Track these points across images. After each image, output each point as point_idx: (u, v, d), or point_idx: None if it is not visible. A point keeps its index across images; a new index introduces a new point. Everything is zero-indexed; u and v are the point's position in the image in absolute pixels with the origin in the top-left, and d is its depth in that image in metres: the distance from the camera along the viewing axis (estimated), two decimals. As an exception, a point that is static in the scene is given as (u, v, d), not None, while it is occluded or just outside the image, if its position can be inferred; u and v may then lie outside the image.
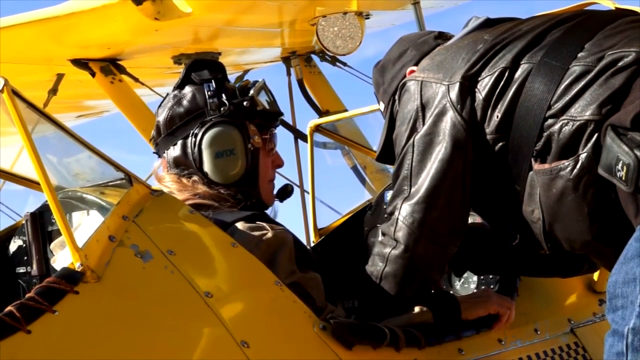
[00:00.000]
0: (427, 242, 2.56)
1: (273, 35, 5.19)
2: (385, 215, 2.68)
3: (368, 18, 4.88)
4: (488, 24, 2.70)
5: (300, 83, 5.44)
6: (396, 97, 2.78)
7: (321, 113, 5.33)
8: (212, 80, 2.87)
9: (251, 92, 2.89)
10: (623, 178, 2.19)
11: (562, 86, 2.39)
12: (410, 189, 2.55)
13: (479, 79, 2.50)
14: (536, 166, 2.40)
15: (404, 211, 2.56)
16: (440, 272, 2.67)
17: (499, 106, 2.47)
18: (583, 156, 2.30)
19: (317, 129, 3.78)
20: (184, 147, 2.85)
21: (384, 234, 2.64)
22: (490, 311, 2.77)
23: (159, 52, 5.09)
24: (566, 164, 2.33)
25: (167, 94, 2.94)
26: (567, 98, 2.37)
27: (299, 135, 5.14)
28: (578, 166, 2.31)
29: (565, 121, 2.35)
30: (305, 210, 4.71)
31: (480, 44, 2.57)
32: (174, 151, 2.86)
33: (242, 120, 2.85)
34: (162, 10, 4.39)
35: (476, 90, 2.50)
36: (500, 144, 2.48)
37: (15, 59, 4.92)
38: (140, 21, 4.45)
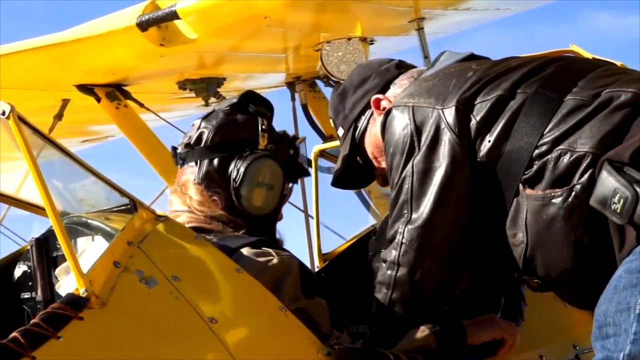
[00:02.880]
0: (433, 264, 2.56)
1: (277, 60, 5.21)
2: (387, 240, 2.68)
3: (372, 44, 4.91)
4: (471, 58, 2.75)
5: (305, 108, 5.45)
6: (358, 123, 2.85)
7: (325, 138, 5.33)
8: (266, 117, 2.92)
9: (296, 143, 2.98)
10: (618, 210, 2.24)
11: (558, 117, 2.44)
12: (412, 213, 2.56)
13: (474, 103, 2.53)
14: (527, 191, 2.43)
15: (408, 235, 2.56)
16: (447, 296, 2.65)
17: (492, 131, 2.50)
18: (578, 187, 2.35)
19: (322, 154, 3.79)
20: (223, 164, 2.86)
21: (384, 261, 2.63)
22: (495, 336, 2.77)
23: (164, 77, 5.10)
24: (559, 192, 2.37)
25: (215, 110, 2.95)
26: (563, 129, 2.42)
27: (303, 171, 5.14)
28: (572, 196, 2.35)
29: (564, 151, 2.39)
30: (310, 235, 4.71)
31: (469, 72, 2.61)
32: (210, 165, 2.86)
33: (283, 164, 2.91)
34: (167, 36, 4.41)
35: (471, 115, 2.53)
36: (489, 167, 2.50)
37: (21, 85, 4.94)
38: (146, 47, 4.47)
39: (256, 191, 2.84)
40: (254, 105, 2.94)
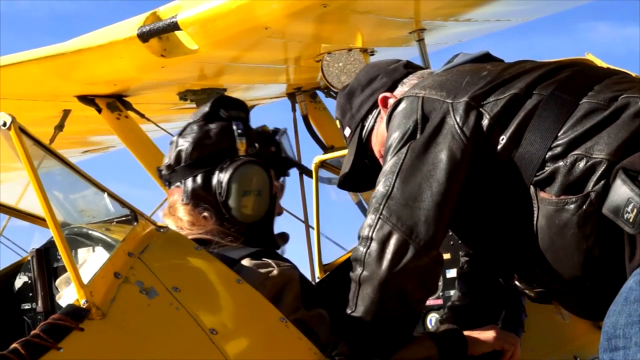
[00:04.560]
0: (410, 245, 2.49)
1: (278, 71, 5.21)
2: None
3: (373, 54, 4.92)
4: (486, 58, 2.74)
5: (305, 119, 5.45)
6: (365, 122, 2.84)
7: (326, 149, 5.33)
8: (240, 119, 2.89)
9: (277, 138, 2.93)
10: (631, 220, 2.23)
11: (572, 119, 2.43)
12: (394, 190, 2.51)
13: (486, 101, 2.51)
14: (541, 194, 2.41)
15: (387, 210, 2.51)
16: (420, 285, 2.55)
17: (507, 129, 2.48)
18: (592, 195, 2.33)
19: (322, 164, 3.80)
20: (206, 179, 2.84)
21: (359, 238, 2.57)
22: (495, 347, 2.77)
23: (165, 88, 5.11)
24: (574, 199, 2.35)
25: (188, 124, 2.92)
26: (578, 132, 2.40)
27: (304, 171, 5.14)
28: (587, 203, 2.33)
29: (580, 156, 2.37)
30: (310, 246, 4.71)
31: (484, 72, 2.60)
32: (194, 182, 2.85)
33: (267, 164, 2.88)
34: (168, 47, 4.42)
35: (483, 111, 2.51)
36: (501, 166, 2.48)
37: (22, 96, 4.95)
38: (147, 58, 4.48)
39: (245, 200, 2.82)
40: (225, 110, 2.91)
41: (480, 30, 5.13)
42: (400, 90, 2.82)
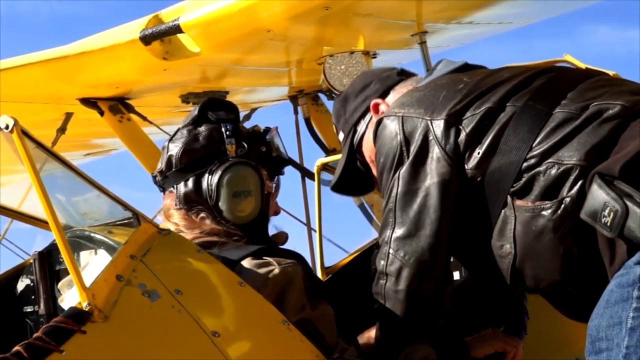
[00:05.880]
0: (420, 274, 2.57)
1: (280, 74, 5.21)
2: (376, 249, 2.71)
3: (375, 57, 4.92)
4: (465, 68, 2.78)
5: (308, 121, 5.45)
6: (358, 127, 2.88)
7: (328, 151, 5.33)
8: (229, 121, 2.89)
9: (267, 137, 2.94)
10: (608, 224, 2.25)
11: (546, 130, 2.46)
12: (396, 222, 2.58)
13: (464, 117, 2.56)
14: (517, 202, 2.45)
15: (394, 244, 2.59)
16: (435, 306, 2.65)
17: (482, 143, 2.52)
18: (567, 200, 2.36)
19: (325, 167, 3.80)
20: (197, 183, 2.85)
21: (376, 270, 2.65)
22: (496, 348, 2.77)
23: (167, 91, 5.11)
24: (549, 205, 2.39)
25: (178, 129, 2.94)
26: (551, 142, 2.44)
27: (306, 174, 5.15)
28: (561, 208, 2.37)
29: (552, 164, 2.41)
30: (312, 249, 4.71)
31: (460, 84, 2.63)
32: (185, 187, 2.86)
33: (257, 163, 2.88)
34: (170, 50, 4.42)
35: (461, 128, 2.55)
36: (478, 179, 2.52)
37: (24, 99, 4.95)
38: (149, 61, 4.47)
39: (235, 202, 2.83)
40: (213, 112, 2.92)
41: (482, 33, 5.14)
42: (391, 98, 2.87)
